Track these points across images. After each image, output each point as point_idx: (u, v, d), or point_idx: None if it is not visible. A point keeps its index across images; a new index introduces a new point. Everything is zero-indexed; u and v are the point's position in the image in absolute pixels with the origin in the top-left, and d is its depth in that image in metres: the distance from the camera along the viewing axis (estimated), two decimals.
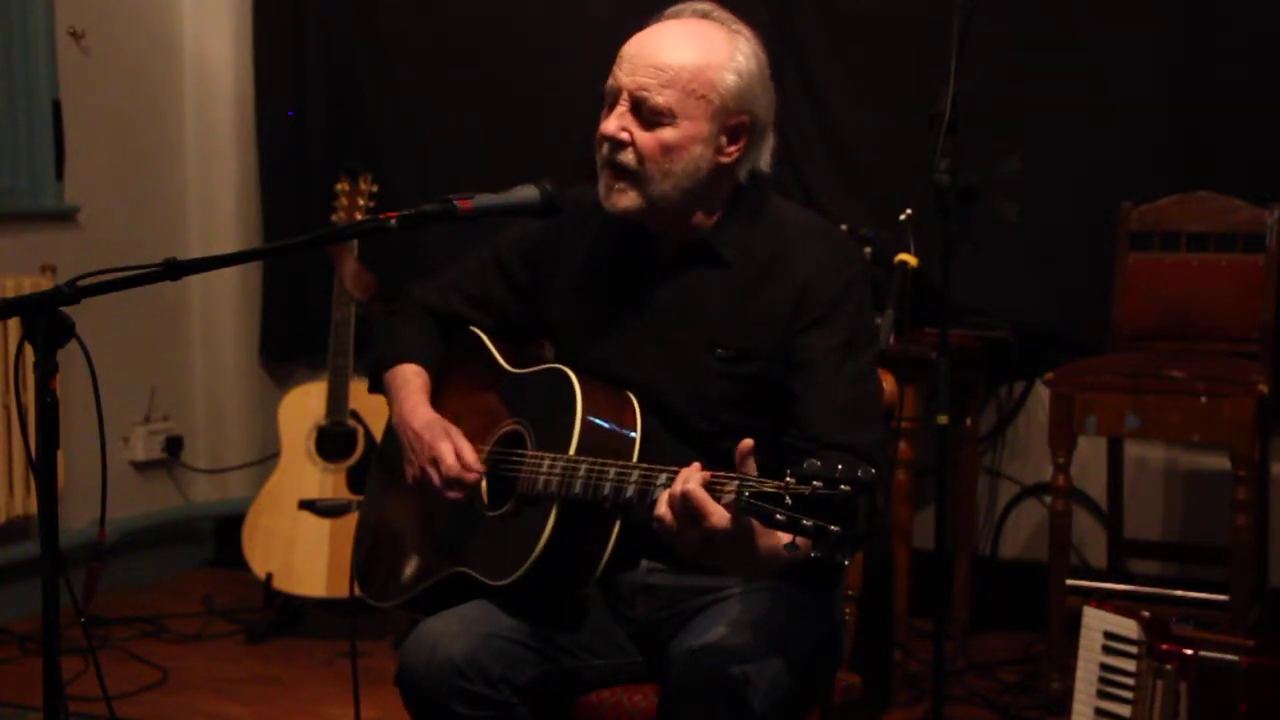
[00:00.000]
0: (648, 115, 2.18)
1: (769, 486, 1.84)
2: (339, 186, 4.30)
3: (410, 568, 2.39)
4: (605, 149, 2.21)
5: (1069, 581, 3.65)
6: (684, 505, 1.92)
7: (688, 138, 2.19)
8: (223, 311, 5.01)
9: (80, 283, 1.91)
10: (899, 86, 4.15)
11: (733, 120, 2.21)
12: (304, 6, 4.86)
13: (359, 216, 4.22)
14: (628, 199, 2.21)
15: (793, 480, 1.81)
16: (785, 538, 1.83)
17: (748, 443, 1.91)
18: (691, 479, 1.93)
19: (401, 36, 4.78)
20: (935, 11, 3.47)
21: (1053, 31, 4.11)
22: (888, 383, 2.40)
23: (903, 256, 3.40)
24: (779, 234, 2.27)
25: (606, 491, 2.11)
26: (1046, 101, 4.09)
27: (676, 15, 2.26)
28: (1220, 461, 3.73)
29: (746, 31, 2.26)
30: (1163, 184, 3.93)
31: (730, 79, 2.20)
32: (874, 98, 4.28)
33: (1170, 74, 3.99)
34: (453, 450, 2.27)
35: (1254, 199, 3.81)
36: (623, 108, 2.20)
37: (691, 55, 2.18)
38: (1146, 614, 3.04)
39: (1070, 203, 4.06)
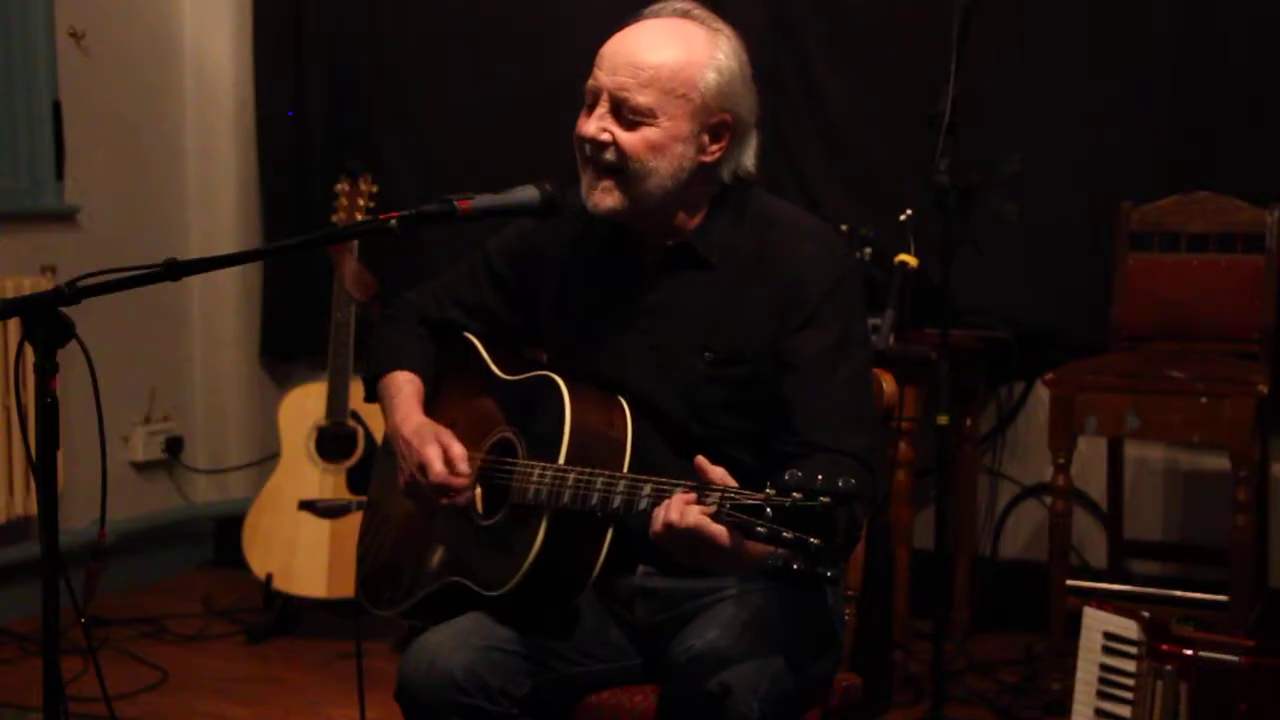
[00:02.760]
0: (628, 115, 2.17)
1: (750, 499, 1.84)
2: (339, 186, 4.30)
3: (407, 576, 2.38)
4: (587, 149, 2.20)
5: (1069, 582, 3.65)
6: (681, 535, 1.93)
7: (669, 137, 2.17)
8: (223, 311, 5.01)
9: (80, 283, 1.91)
10: (899, 86, 4.15)
11: (714, 119, 2.20)
12: (304, 6, 4.86)
13: (359, 217, 4.22)
14: (611, 198, 2.20)
15: (773, 491, 1.82)
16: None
17: (717, 471, 1.93)
18: (678, 507, 1.94)
19: (401, 36, 4.78)
20: (935, 11, 3.48)
21: (1053, 31, 4.11)
22: (888, 383, 2.40)
23: (903, 257, 3.39)
24: (764, 232, 2.25)
25: (594, 502, 2.10)
26: (1046, 101, 4.09)
27: (656, 14, 2.24)
28: (1220, 461, 3.73)
29: (727, 30, 2.24)
30: (1163, 184, 3.93)
31: (711, 77, 2.18)
32: (874, 98, 4.28)
33: (1170, 74, 3.98)
34: (440, 455, 2.25)
35: (1254, 199, 3.81)
36: (603, 108, 2.19)
37: (671, 54, 2.17)
38: (1146, 614, 3.04)
39: (1070, 203, 4.06)
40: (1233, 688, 2.90)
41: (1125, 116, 4.03)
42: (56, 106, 4.49)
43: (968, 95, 3.15)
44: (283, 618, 4.35)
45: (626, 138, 2.17)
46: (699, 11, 2.25)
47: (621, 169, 2.18)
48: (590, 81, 2.21)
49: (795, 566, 1.79)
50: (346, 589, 3.99)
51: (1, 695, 3.75)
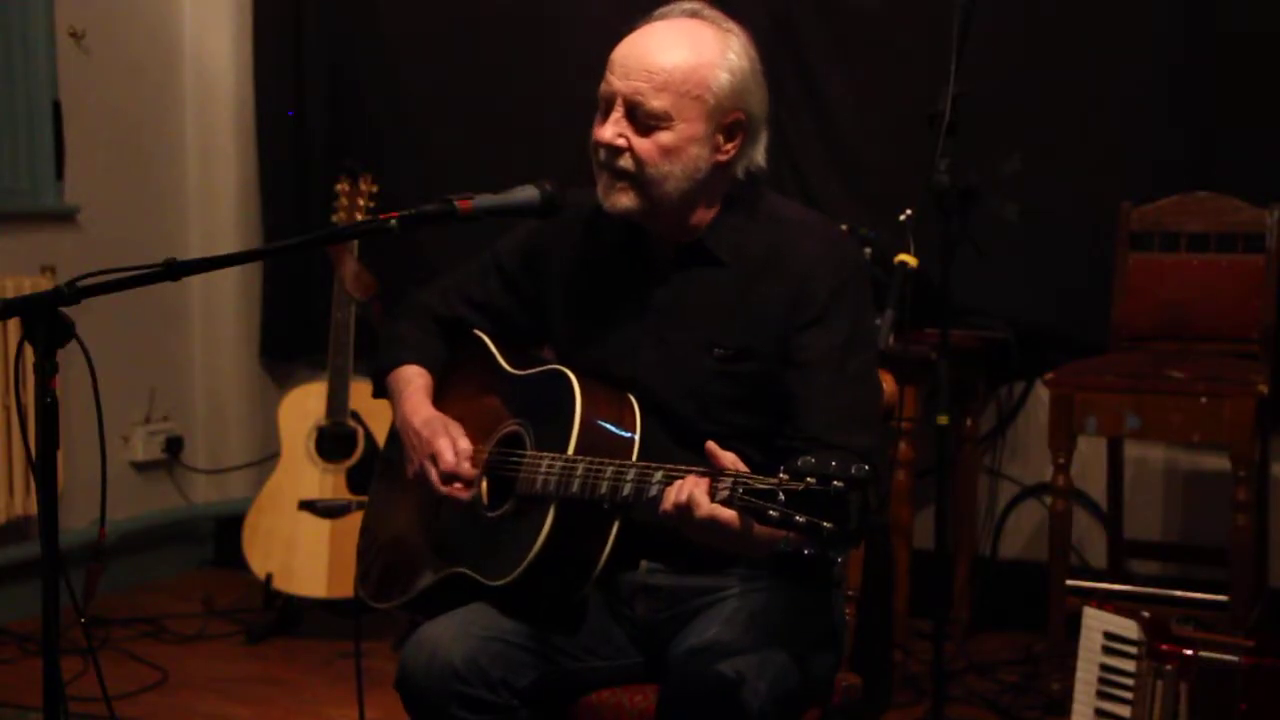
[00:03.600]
0: (643, 119, 2.17)
1: (763, 483, 1.84)
2: (339, 186, 4.30)
3: (410, 568, 2.39)
4: (602, 154, 2.21)
5: (1069, 582, 3.65)
6: (687, 513, 1.93)
7: (684, 139, 2.18)
8: (223, 311, 5.02)
9: (80, 283, 1.92)
10: (899, 86, 4.15)
11: (728, 118, 2.21)
12: (304, 6, 4.86)
13: (359, 217, 4.22)
14: (627, 198, 2.21)
15: (786, 476, 1.82)
16: None
17: (728, 456, 1.93)
18: (690, 489, 1.94)
19: (401, 36, 4.78)
20: (935, 11, 3.48)
21: (1053, 31, 4.11)
22: (888, 383, 2.40)
23: (903, 256, 3.40)
24: (775, 230, 2.26)
25: (603, 490, 2.11)
26: (1046, 101, 4.09)
27: (665, 16, 2.25)
28: (1220, 461, 3.73)
29: (736, 29, 2.25)
30: (1163, 184, 3.93)
31: (724, 77, 2.19)
32: (874, 97, 4.28)
33: (1170, 74, 3.99)
34: (451, 446, 2.27)
35: (1254, 199, 3.81)
36: (617, 113, 2.19)
37: (684, 56, 2.18)
38: (1146, 614, 3.04)
39: (1070, 203, 4.06)
40: (1233, 688, 2.90)
41: (1125, 117, 4.03)
42: (56, 106, 4.49)
43: (968, 95, 3.15)
44: (283, 618, 4.35)
45: (641, 143, 2.18)
46: (709, 12, 2.25)
47: (637, 173, 2.19)
48: (603, 86, 2.21)
49: (806, 551, 1.80)
50: (346, 589, 4.00)
51: (1, 695, 3.75)
